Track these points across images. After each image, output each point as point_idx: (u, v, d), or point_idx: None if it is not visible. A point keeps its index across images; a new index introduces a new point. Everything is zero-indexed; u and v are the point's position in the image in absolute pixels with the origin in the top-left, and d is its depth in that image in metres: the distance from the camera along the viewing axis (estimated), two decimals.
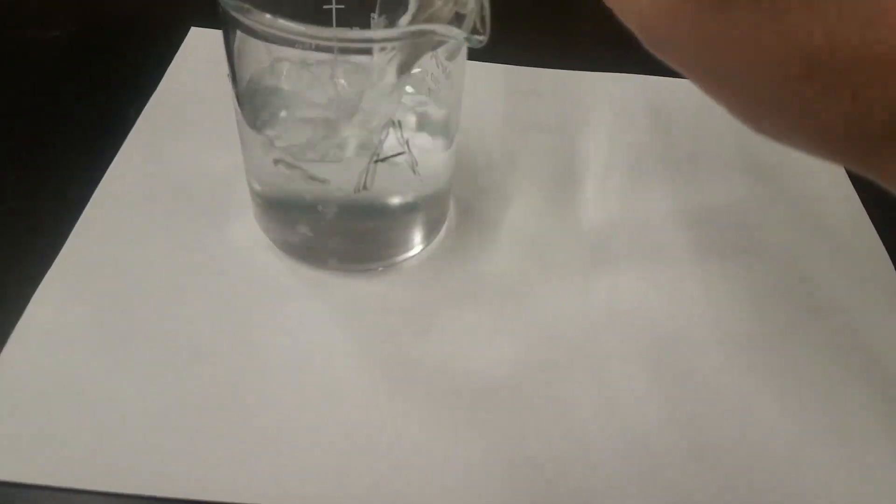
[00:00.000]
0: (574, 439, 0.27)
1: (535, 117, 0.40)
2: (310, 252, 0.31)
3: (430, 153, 0.28)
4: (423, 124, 0.28)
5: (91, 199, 0.33)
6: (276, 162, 0.27)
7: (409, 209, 0.31)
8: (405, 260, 0.32)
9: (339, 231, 0.30)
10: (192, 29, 0.43)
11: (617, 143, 0.39)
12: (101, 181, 0.34)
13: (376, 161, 0.26)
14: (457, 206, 0.35)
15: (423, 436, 0.26)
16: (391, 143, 0.26)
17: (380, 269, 0.32)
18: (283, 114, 0.29)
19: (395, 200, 0.30)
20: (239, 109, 0.28)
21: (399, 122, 0.26)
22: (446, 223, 0.34)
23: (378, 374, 0.28)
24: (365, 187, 0.27)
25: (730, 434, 0.27)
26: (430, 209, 0.31)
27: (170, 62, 0.40)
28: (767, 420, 0.28)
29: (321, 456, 0.26)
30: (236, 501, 0.24)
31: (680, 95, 0.42)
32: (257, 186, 0.31)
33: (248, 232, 0.32)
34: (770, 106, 0.16)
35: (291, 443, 0.26)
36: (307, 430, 0.26)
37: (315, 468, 0.25)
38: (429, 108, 0.29)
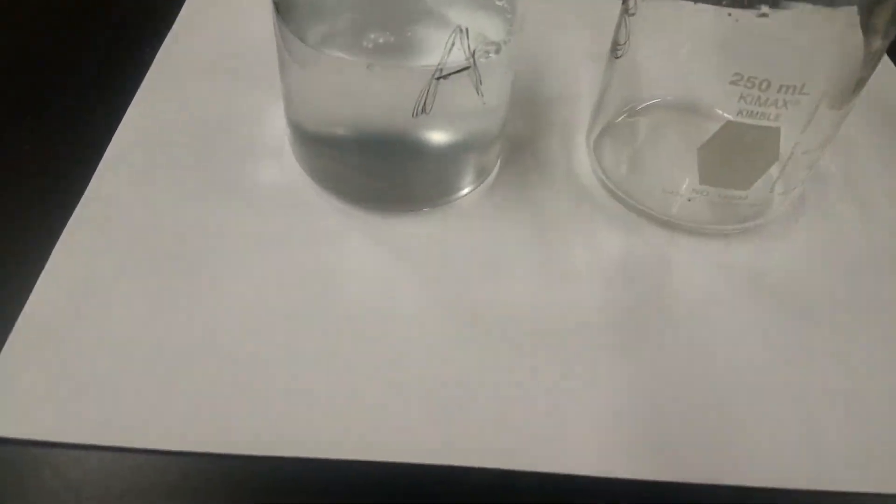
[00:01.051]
0: (662, 382, 0.24)
1: (592, 47, 0.37)
2: (357, 191, 0.28)
3: (493, 73, 0.25)
4: (486, 38, 0.25)
5: (111, 142, 0.30)
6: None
7: (469, 140, 0.27)
8: (459, 199, 0.29)
9: (393, 165, 0.27)
10: None
11: (679, 71, 0.36)
12: (119, 123, 0.31)
13: (438, 78, 0.23)
14: (510, 141, 0.31)
15: (501, 381, 0.24)
16: (456, 57, 0.23)
17: (425, 210, 0.29)
18: (333, 18, 0.25)
19: (457, 127, 0.27)
20: (279, 26, 0.24)
21: (466, 30, 0.23)
22: (500, 160, 0.31)
23: (446, 320, 0.25)
24: (424, 110, 0.24)
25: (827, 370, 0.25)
26: (488, 141, 0.28)
27: None
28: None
29: (393, 407, 0.23)
30: (304, 455, 0.22)
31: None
32: (300, 119, 0.27)
33: (286, 171, 0.29)
34: None
35: (357, 395, 0.23)
36: (373, 381, 0.24)
37: (386, 419, 0.23)
38: (491, 17, 0.25)
